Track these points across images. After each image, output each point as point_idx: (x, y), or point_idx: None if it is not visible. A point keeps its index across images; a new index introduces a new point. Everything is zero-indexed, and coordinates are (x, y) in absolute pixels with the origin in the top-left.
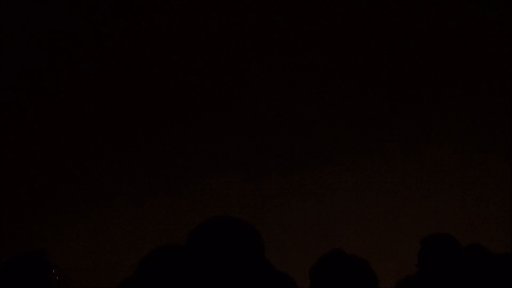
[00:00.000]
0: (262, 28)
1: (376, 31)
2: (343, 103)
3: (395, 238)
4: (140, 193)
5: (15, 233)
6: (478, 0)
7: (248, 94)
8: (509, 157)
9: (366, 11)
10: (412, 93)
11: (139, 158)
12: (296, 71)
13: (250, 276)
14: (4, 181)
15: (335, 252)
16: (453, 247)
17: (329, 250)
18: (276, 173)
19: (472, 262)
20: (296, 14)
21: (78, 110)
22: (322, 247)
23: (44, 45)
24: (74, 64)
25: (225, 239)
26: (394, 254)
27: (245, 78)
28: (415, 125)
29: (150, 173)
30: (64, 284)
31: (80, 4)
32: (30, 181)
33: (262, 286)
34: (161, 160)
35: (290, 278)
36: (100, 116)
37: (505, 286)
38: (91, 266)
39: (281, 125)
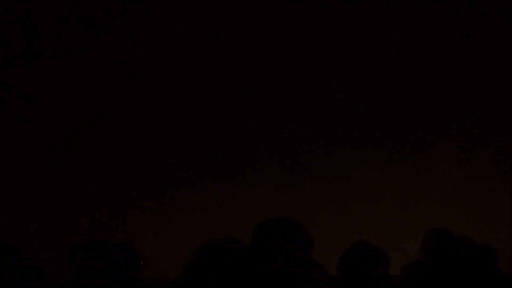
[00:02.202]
0: (286, 61)
1: (384, 55)
2: (360, 120)
3: (400, 232)
4: (193, 194)
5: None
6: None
7: (280, 116)
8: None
9: (375, 31)
10: (416, 108)
11: (193, 165)
12: (316, 94)
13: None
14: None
15: (360, 242)
16: (448, 238)
17: (353, 242)
18: (302, 179)
19: (462, 250)
20: (311, 44)
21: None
22: (342, 240)
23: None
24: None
25: (287, 234)
26: (400, 245)
27: (275, 103)
28: (419, 135)
29: (203, 178)
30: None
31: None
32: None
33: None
34: (215, 168)
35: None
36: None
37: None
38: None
39: (304, 139)
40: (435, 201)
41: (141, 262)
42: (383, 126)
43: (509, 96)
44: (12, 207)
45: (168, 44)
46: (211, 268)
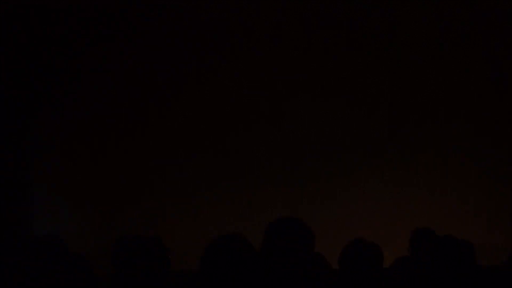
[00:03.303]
0: (293, 73)
1: (380, 68)
2: (358, 126)
3: (394, 229)
4: (208, 195)
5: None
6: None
7: (284, 122)
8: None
9: (372, 47)
10: (410, 116)
11: (210, 170)
12: (318, 103)
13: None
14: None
15: (358, 239)
16: (429, 235)
17: (352, 239)
18: (304, 180)
19: (442, 246)
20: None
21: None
22: (343, 236)
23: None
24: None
25: (295, 231)
26: (394, 241)
27: (279, 111)
28: (412, 140)
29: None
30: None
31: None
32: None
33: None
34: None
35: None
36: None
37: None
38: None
39: (306, 144)
40: (426, 200)
41: (169, 256)
42: (379, 132)
43: (495, 104)
44: (54, 205)
45: (179, 51)
46: (224, 260)
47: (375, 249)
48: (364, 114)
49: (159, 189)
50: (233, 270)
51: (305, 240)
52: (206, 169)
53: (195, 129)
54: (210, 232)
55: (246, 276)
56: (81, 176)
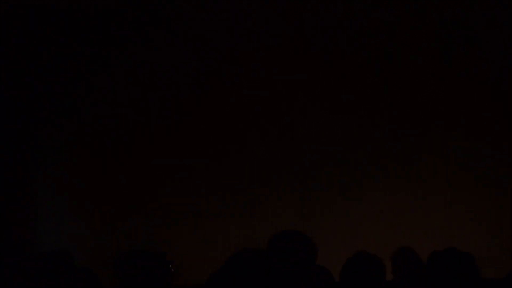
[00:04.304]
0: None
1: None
2: (359, 141)
3: (395, 241)
4: (218, 212)
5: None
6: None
7: (296, 138)
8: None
9: (372, 68)
10: (408, 131)
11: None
12: (323, 120)
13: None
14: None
15: (361, 252)
16: (412, 255)
17: (355, 251)
18: (309, 193)
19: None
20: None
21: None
22: (346, 248)
23: None
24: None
25: (295, 245)
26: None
27: (288, 126)
28: (411, 151)
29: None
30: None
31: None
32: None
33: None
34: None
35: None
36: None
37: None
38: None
39: (311, 158)
40: (424, 210)
41: (172, 270)
42: (380, 146)
43: (498, 112)
44: (59, 215)
45: (186, 60)
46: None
47: (377, 262)
48: (368, 122)
49: (164, 199)
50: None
51: (307, 253)
52: (211, 177)
53: (201, 136)
54: (214, 241)
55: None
56: (86, 181)
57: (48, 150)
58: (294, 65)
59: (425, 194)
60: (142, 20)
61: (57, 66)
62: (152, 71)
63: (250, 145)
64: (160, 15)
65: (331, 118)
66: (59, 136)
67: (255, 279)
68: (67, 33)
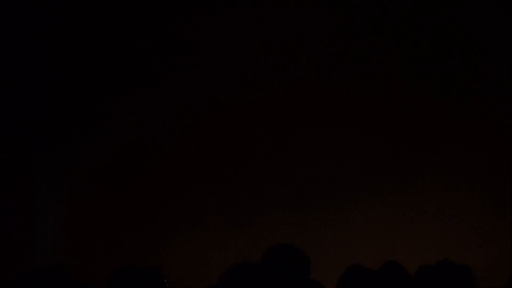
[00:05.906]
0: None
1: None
2: (358, 158)
3: (391, 255)
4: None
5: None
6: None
7: (292, 151)
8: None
9: (371, 89)
10: (406, 149)
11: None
12: (323, 137)
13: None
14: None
15: (356, 266)
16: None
17: (349, 264)
18: (307, 208)
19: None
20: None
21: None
22: (340, 263)
23: None
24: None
25: (288, 259)
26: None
27: (286, 145)
28: (406, 163)
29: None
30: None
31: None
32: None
33: None
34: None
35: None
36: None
37: None
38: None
39: (310, 174)
40: (421, 226)
41: (168, 286)
42: (375, 158)
43: (499, 130)
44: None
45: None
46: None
47: (372, 276)
48: (363, 134)
49: (161, 213)
50: None
51: (301, 267)
52: (207, 191)
53: (197, 149)
54: (211, 256)
55: None
56: (84, 184)
57: (47, 153)
58: (290, 78)
59: (421, 207)
60: (142, 20)
61: (57, 66)
62: (152, 74)
63: (246, 159)
64: (161, 16)
65: (327, 130)
66: (58, 139)
67: None
68: (67, 33)
